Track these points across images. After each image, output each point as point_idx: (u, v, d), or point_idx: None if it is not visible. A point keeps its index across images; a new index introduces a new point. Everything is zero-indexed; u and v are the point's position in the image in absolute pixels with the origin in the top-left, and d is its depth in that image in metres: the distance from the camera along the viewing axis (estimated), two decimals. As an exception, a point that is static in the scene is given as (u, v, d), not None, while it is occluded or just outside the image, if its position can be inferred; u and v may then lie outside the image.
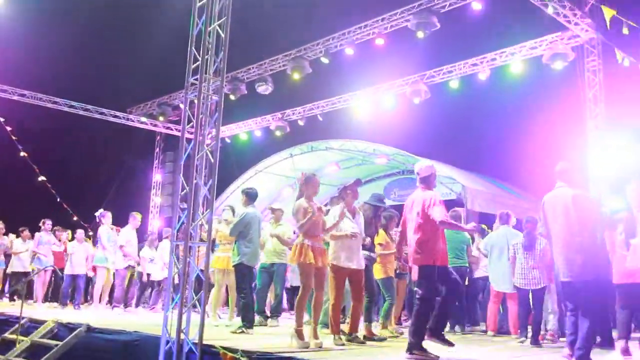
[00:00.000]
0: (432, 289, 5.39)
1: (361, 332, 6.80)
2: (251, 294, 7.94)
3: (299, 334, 5.84)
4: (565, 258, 5.15)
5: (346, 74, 16.63)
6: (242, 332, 7.19)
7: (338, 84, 17.11)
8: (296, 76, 15.28)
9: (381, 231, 7.68)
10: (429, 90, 14.80)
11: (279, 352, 5.20)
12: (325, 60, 15.03)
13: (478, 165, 16.43)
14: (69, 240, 12.47)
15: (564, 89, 13.46)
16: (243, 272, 7.70)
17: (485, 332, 8.64)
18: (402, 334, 7.67)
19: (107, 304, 11.53)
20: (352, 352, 5.86)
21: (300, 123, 17.70)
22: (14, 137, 15.78)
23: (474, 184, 14.02)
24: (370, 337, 6.94)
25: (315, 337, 5.95)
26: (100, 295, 11.24)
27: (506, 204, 13.72)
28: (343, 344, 6.19)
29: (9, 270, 12.43)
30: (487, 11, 12.43)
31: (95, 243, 9.81)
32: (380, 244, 7.55)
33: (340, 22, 15.04)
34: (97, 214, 10.14)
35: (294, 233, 11.36)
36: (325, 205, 7.84)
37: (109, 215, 10.95)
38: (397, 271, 8.04)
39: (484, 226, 9.42)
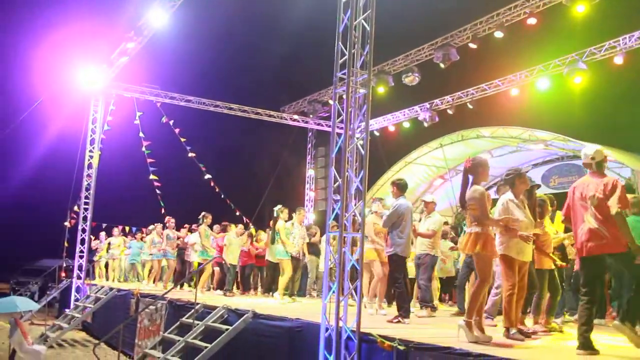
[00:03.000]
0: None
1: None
2: (405, 284, 7.96)
3: (469, 326, 5.58)
4: None
5: (496, 58, 16.00)
6: (399, 321, 7.25)
7: (487, 70, 16.52)
8: (443, 65, 15.00)
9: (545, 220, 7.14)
10: (589, 68, 13.77)
11: (436, 343, 5.11)
12: (473, 45, 14.62)
13: (650, 148, 14.99)
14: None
15: None
16: (397, 263, 7.74)
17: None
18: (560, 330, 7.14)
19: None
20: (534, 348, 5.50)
21: (450, 112, 17.36)
22: (182, 139, 17.12)
23: (645, 167, 12.92)
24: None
25: (481, 329, 5.66)
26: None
27: (686, 188, 12.47)
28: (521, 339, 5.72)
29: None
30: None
31: (273, 238, 10.48)
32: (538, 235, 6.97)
33: (488, 4, 14.50)
34: (275, 208, 10.70)
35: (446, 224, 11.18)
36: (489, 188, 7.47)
37: (285, 211, 11.29)
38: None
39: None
